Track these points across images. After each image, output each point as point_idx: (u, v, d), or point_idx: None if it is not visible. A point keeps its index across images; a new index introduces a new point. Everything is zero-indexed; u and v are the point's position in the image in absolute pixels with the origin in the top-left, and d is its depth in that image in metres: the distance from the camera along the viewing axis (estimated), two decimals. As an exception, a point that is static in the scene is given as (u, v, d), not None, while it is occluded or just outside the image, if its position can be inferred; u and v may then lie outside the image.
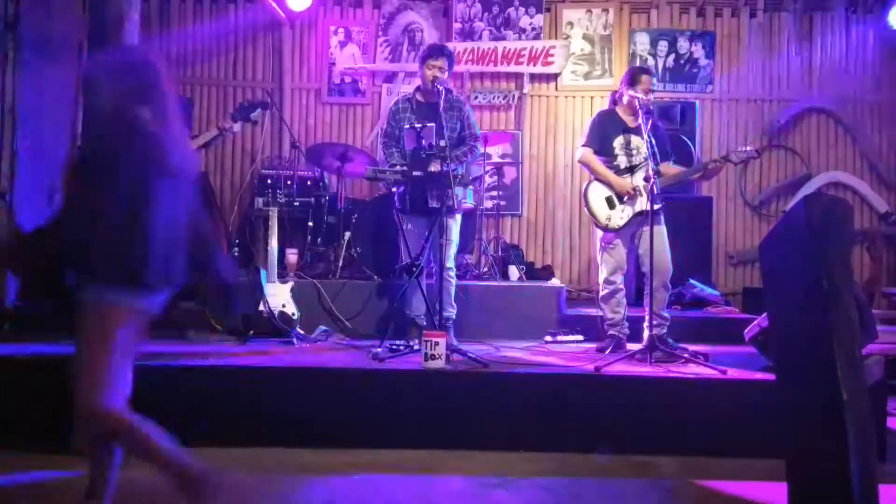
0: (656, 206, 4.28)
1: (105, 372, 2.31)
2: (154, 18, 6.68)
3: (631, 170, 4.35)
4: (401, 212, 4.51)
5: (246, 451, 3.38)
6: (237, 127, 4.54)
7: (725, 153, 4.37)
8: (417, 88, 4.61)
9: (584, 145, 4.49)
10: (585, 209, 4.46)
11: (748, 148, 4.36)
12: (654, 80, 4.46)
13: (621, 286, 4.41)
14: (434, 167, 4.18)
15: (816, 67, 6.78)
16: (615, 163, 4.40)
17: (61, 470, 3.07)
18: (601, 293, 4.46)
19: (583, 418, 3.55)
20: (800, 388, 2.30)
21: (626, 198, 4.31)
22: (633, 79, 4.39)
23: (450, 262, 4.46)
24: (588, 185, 4.46)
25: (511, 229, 6.75)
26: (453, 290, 4.56)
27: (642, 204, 4.22)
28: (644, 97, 4.29)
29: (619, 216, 4.32)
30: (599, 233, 4.43)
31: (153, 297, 2.39)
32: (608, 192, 4.36)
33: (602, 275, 4.44)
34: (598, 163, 4.41)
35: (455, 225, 4.51)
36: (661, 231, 4.34)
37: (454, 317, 4.53)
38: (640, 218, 4.24)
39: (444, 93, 4.32)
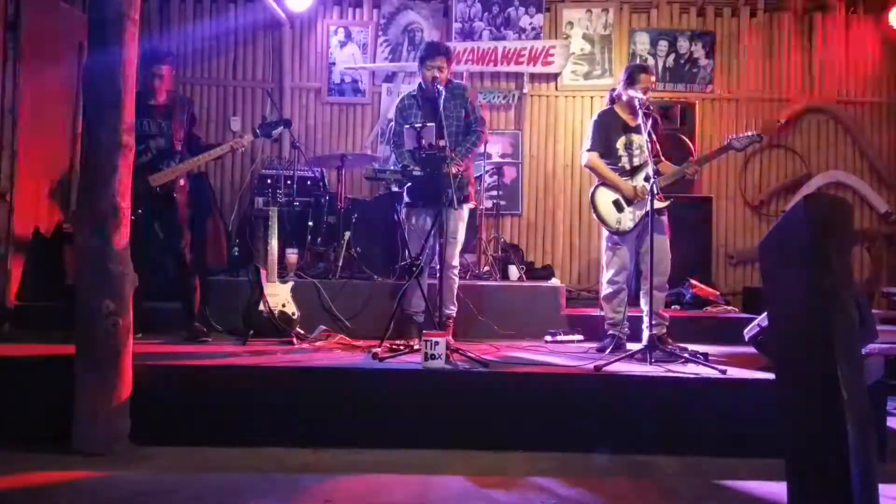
0: (664, 204, 4.28)
1: None
2: (154, 18, 6.70)
3: (635, 171, 4.35)
4: (409, 206, 4.51)
5: (246, 451, 3.38)
6: (247, 142, 4.61)
7: (727, 141, 4.33)
8: (420, 86, 4.61)
9: (589, 150, 4.46)
10: (594, 215, 4.44)
11: (750, 133, 4.34)
12: (653, 78, 4.44)
13: (624, 286, 4.41)
14: (436, 168, 4.17)
15: (816, 67, 6.78)
16: (619, 164, 4.39)
17: (61, 470, 3.06)
18: (604, 292, 4.46)
19: (583, 418, 3.54)
20: (800, 387, 2.30)
21: (634, 201, 4.30)
22: (631, 77, 4.38)
23: (454, 261, 4.48)
24: (595, 189, 4.43)
25: (511, 229, 6.76)
26: (455, 288, 4.57)
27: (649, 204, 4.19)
28: (643, 96, 4.28)
29: (629, 219, 4.32)
30: (605, 232, 4.42)
31: None
32: (615, 196, 4.35)
33: (607, 274, 4.44)
34: (605, 167, 4.39)
35: (462, 223, 4.52)
36: (665, 231, 4.34)
37: (454, 315, 4.54)
38: (648, 219, 4.23)
39: (443, 92, 4.33)
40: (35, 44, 5.19)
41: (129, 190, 3.45)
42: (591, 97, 6.78)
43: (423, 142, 4.22)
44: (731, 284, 6.66)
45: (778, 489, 2.54)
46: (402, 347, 4.09)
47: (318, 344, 4.46)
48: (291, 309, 4.59)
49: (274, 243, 4.71)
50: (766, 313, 3.41)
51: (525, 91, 6.76)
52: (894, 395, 4.06)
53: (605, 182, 4.40)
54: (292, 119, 6.62)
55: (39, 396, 3.49)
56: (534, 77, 6.79)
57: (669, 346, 4.18)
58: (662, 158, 4.44)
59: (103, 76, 3.38)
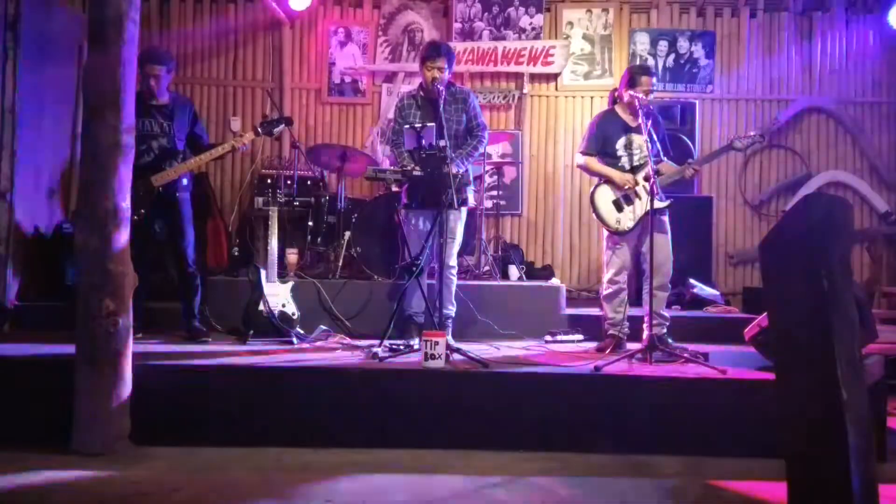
0: (664, 205, 4.28)
1: None
2: (154, 18, 6.69)
3: (634, 170, 4.35)
4: (407, 207, 4.51)
5: (246, 451, 3.38)
6: (247, 141, 4.59)
7: (729, 141, 4.34)
8: (420, 86, 4.60)
9: (583, 153, 4.47)
10: (594, 214, 4.45)
11: (752, 133, 4.34)
12: (654, 80, 4.45)
13: (625, 286, 4.41)
14: (436, 168, 4.17)
15: (816, 67, 6.78)
16: (619, 164, 4.39)
17: (61, 470, 3.06)
18: (605, 292, 4.46)
19: (583, 418, 3.54)
20: (800, 388, 2.30)
21: (632, 196, 4.30)
22: (632, 79, 4.38)
23: (452, 261, 4.47)
24: (595, 189, 4.44)
25: (511, 229, 6.76)
26: (454, 287, 4.57)
27: (648, 203, 4.19)
28: (644, 98, 4.28)
29: (629, 218, 4.32)
30: (606, 232, 4.43)
31: None
32: (615, 195, 4.35)
33: (607, 274, 4.44)
34: (596, 163, 4.41)
35: (460, 223, 4.51)
36: (666, 231, 4.34)
37: (453, 314, 4.54)
38: (648, 218, 4.23)
39: (443, 93, 4.33)
40: (35, 44, 5.19)
41: (129, 190, 3.45)
42: (591, 97, 6.77)
43: (423, 142, 4.22)
44: (731, 284, 6.66)
45: (778, 489, 2.54)
46: (402, 347, 4.09)
47: (318, 344, 4.46)
48: (291, 309, 4.59)
49: (274, 243, 4.71)
50: (766, 313, 3.41)
51: (525, 91, 6.75)
52: (894, 394, 4.06)
53: (604, 181, 4.40)
54: (292, 119, 6.64)
55: (39, 396, 3.49)
56: (534, 77, 6.79)
57: (669, 346, 4.18)
58: (664, 158, 4.44)
59: (103, 76, 3.38)
